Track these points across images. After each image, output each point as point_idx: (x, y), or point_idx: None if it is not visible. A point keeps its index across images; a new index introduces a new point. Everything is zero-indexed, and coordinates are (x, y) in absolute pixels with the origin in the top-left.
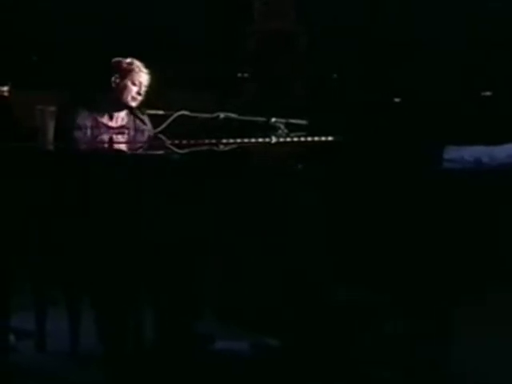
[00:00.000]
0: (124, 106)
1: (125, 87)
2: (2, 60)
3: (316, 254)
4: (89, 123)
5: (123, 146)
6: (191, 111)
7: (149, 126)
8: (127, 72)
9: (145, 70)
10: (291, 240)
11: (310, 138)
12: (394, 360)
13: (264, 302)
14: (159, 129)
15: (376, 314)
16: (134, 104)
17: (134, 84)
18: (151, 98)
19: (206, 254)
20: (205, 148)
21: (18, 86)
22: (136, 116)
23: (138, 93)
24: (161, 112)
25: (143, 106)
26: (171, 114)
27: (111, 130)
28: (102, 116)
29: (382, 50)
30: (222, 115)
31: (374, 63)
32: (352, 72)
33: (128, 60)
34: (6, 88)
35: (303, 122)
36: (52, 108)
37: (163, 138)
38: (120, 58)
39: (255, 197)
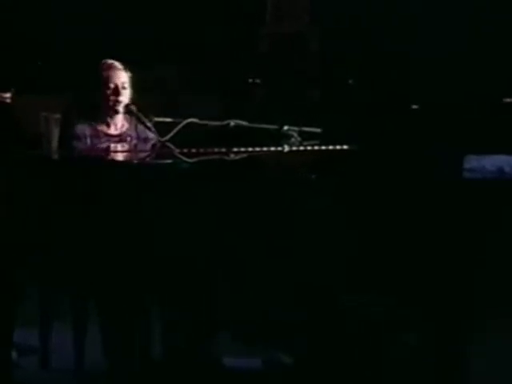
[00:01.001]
0: (114, 111)
1: (105, 91)
2: (4, 65)
3: (331, 267)
4: (88, 132)
5: (126, 155)
6: (200, 118)
7: (154, 133)
8: (103, 74)
9: (119, 67)
10: (305, 252)
11: (324, 147)
12: (412, 372)
13: (276, 316)
14: (167, 137)
15: (393, 327)
16: (119, 107)
17: (108, 88)
18: (157, 102)
19: (217, 267)
20: (214, 157)
21: (22, 92)
22: (141, 123)
23: (116, 93)
24: (168, 119)
25: (150, 112)
26: (179, 122)
27: (111, 139)
28: (101, 124)
29: (399, 53)
30: (232, 123)
31: (391, 67)
32: (369, 77)
33: (103, 61)
34: (8, 94)
35: (317, 129)
36: (57, 115)
37: (171, 146)
38: (102, 61)
39: (267, 208)
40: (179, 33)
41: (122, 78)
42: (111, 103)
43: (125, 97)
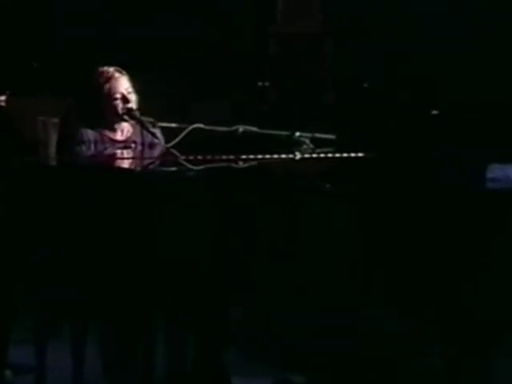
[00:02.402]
0: (119, 117)
1: (111, 101)
2: None
3: (346, 280)
4: (92, 137)
5: (132, 162)
6: (207, 123)
7: (160, 139)
8: (104, 86)
9: (119, 75)
10: (319, 266)
11: (338, 154)
12: None
13: (289, 334)
14: (172, 143)
15: (410, 343)
16: (125, 116)
17: (115, 99)
18: (161, 107)
19: (225, 282)
20: (222, 165)
21: (17, 94)
22: (146, 129)
23: (124, 101)
24: (174, 125)
25: (154, 117)
26: (185, 127)
27: (117, 144)
28: (106, 129)
29: (419, 54)
30: (241, 129)
31: (410, 70)
32: (386, 80)
33: (99, 71)
34: (3, 97)
35: (331, 136)
36: (55, 119)
37: (176, 153)
38: (99, 68)
39: (278, 220)
40: (183, 33)
41: (125, 84)
42: (121, 111)
43: (133, 102)
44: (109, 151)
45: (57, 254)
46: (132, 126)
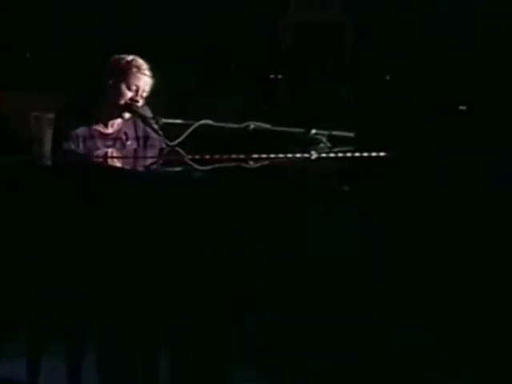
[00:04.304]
0: (118, 112)
1: (118, 90)
2: None
3: (367, 295)
4: (81, 133)
5: (125, 160)
6: (215, 120)
7: (161, 136)
8: (123, 72)
9: (147, 73)
10: (337, 277)
11: (357, 154)
12: None
13: (302, 349)
14: (177, 141)
15: (443, 365)
16: (126, 108)
17: (129, 88)
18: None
19: (233, 292)
20: (231, 165)
21: (9, 89)
22: (148, 125)
23: (134, 99)
24: (179, 121)
25: (158, 113)
26: (191, 124)
27: (106, 138)
28: (96, 125)
29: (444, 45)
30: (251, 125)
31: (435, 62)
32: (409, 73)
33: (128, 58)
34: None
35: (349, 133)
36: (50, 115)
37: (181, 151)
38: (119, 56)
39: (292, 224)
40: (188, 25)
41: (147, 85)
42: (123, 103)
43: (140, 103)
44: (99, 146)
45: (49, 263)
46: (124, 120)
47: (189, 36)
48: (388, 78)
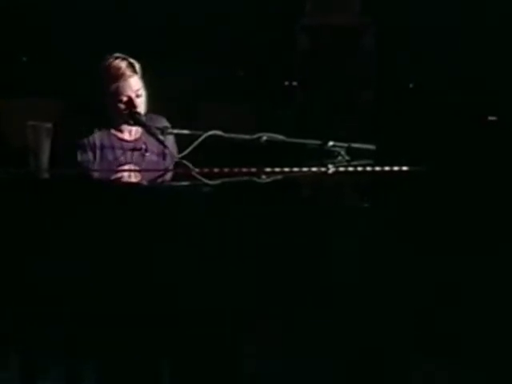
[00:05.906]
0: (123, 119)
1: (115, 104)
2: None
3: (389, 322)
4: (98, 141)
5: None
6: (224, 130)
7: (172, 148)
8: (111, 85)
9: (131, 75)
10: (356, 302)
11: (378, 168)
12: None
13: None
14: (182, 154)
15: None
16: (130, 120)
17: (121, 98)
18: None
19: (245, 320)
20: (242, 179)
21: (4, 96)
22: (153, 135)
23: (130, 105)
24: (186, 131)
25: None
26: (199, 135)
27: (125, 145)
28: (112, 129)
29: (474, 50)
30: (264, 137)
31: (463, 69)
32: (435, 81)
33: (115, 63)
34: None
35: (370, 146)
36: (47, 124)
37: (188, 164)
38: (109, 60)
39: (307, 243)
40: (196, 27)
41: (135, 85)
42: (125, 116)
43: (141, 107)
44: (118, 156)
45: (47, 286)
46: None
47: (200, 37)
48: (411, 86)
